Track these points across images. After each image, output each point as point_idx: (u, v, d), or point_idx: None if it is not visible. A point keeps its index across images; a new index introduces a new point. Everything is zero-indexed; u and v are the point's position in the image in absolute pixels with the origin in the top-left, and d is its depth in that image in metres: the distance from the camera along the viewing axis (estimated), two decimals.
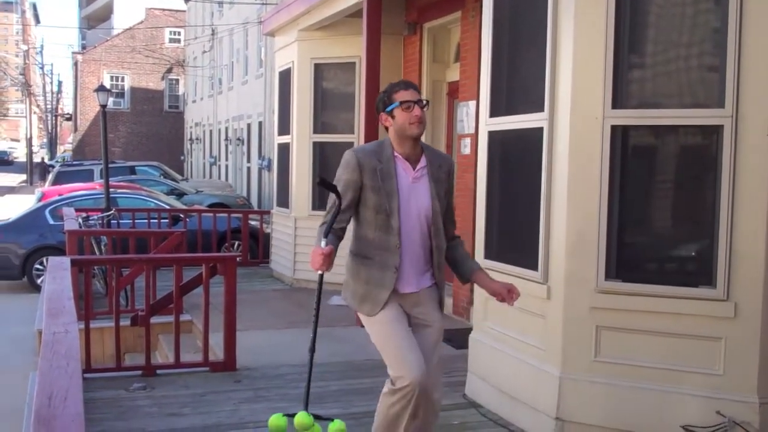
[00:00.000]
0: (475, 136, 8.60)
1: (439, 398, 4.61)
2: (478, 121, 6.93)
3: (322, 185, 4.27)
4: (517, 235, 6.23)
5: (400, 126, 4.37)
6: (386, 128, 4.48)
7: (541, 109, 5.71)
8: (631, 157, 5.47)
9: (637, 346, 5.38)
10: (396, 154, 4.42)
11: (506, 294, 4.48)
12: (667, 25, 5.35)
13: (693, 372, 5.23)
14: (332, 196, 4.35)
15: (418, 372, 4.27)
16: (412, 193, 4.42)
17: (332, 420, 4.14)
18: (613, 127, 5.34)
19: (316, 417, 4.14)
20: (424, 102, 4.40)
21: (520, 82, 6.29)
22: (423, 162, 4.47)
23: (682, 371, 5.26)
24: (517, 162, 6.25)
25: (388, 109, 4.40)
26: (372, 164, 4.35)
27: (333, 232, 4.31)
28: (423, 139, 4.59)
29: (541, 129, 5.71)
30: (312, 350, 4.29)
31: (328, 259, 4.14)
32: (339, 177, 4.40)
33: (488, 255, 6.42)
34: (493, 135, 6.42)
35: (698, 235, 5.40)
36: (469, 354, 6.76)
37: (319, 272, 4.18)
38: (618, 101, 5.33)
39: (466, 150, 9.45)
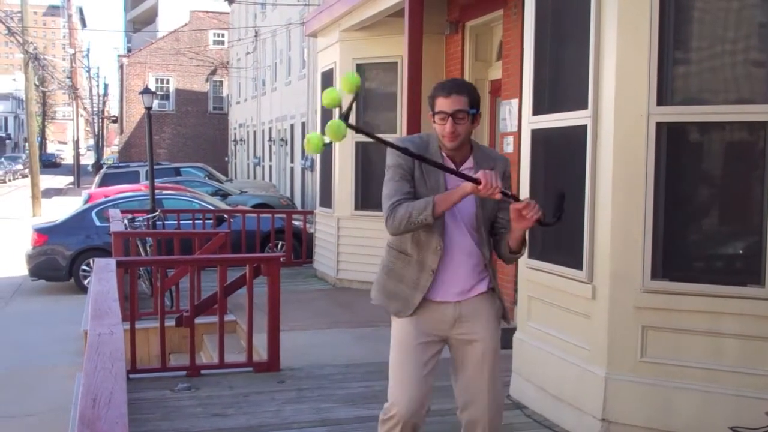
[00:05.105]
0: (517, 135, 8.54)
1: (498, 422, 4.24)
2: (521, 120, 6.88)
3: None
4: (561, 234, 6.17)
5: (437, 132, 4.05)
6: None
7: (584, 106, 5.65)
8: (676, 154, 5.39)
9: (684, 346, 5.31)
10: (443, 152, 4.06)
11: (522, 210, 3.86)
12: (711, 20, 5.29)
13: (740, 372, 5.16)
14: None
15: (407, 410, 4.00)
16: None
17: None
18: (658, 124, 5.28)
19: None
20: (464, 112, 3.95)
21: (563, 79, 6.24)
22: (470, 163, 4.07)
23: (729, 371, 5.19)
24: (561, 160, 6.20)
25: (431, 111, 4.03)
26: (420, 154, 3.94)
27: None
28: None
29: (584, 127, 5.66)
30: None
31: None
32: (394, 162, 4.03)
33: (532, 254, 6.37)
34: (536, 133, 6.38)
35: (745, 233, 5.33)
36: (513, 354, 6.71)
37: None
38: (663, 98, 5.27)
39: (509, 148, 9.41)
